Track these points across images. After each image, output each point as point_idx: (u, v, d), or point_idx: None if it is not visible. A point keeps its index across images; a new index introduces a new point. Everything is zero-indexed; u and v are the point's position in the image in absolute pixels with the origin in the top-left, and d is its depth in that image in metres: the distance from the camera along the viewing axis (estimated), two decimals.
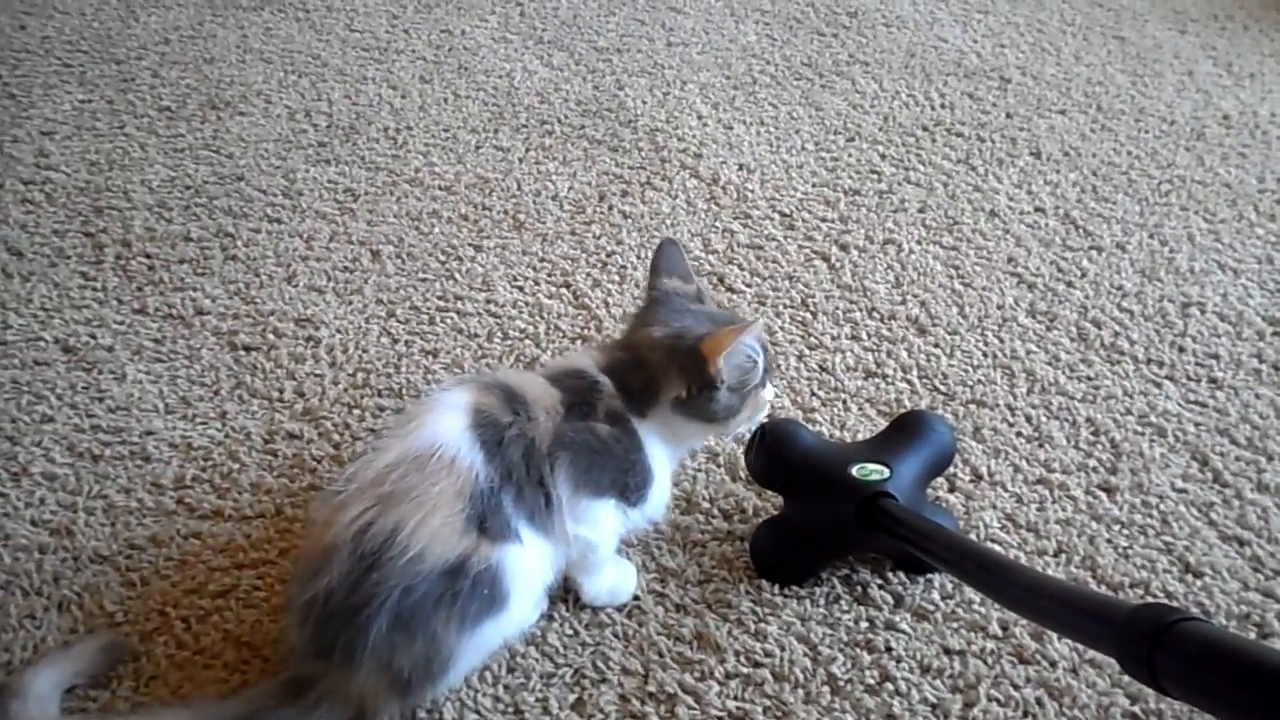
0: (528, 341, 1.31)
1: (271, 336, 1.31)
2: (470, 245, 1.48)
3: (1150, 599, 1.00)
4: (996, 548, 1.06)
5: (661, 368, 0.93)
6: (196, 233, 1.49)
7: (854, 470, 0.98)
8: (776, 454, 1.03)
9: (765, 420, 1.02)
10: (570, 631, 0.97)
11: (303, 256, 1.45)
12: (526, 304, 1.37)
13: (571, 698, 0.92)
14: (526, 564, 0.89)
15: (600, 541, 0.95)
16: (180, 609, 0.99)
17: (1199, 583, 1.02)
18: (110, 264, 1.43)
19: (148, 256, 1.45)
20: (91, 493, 1.11)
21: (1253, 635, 0.98)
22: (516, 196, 1.58)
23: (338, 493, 0.88)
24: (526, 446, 0.89)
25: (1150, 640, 0.66)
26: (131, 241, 1.47)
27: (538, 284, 1.41)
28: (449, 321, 1.34)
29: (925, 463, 1.02)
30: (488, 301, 1.38)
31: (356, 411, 1.21)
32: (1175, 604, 1.00)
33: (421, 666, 0.84)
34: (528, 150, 1.70)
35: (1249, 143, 1.77)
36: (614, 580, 1.00)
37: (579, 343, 1.31)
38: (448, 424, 0.88)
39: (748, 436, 1.06)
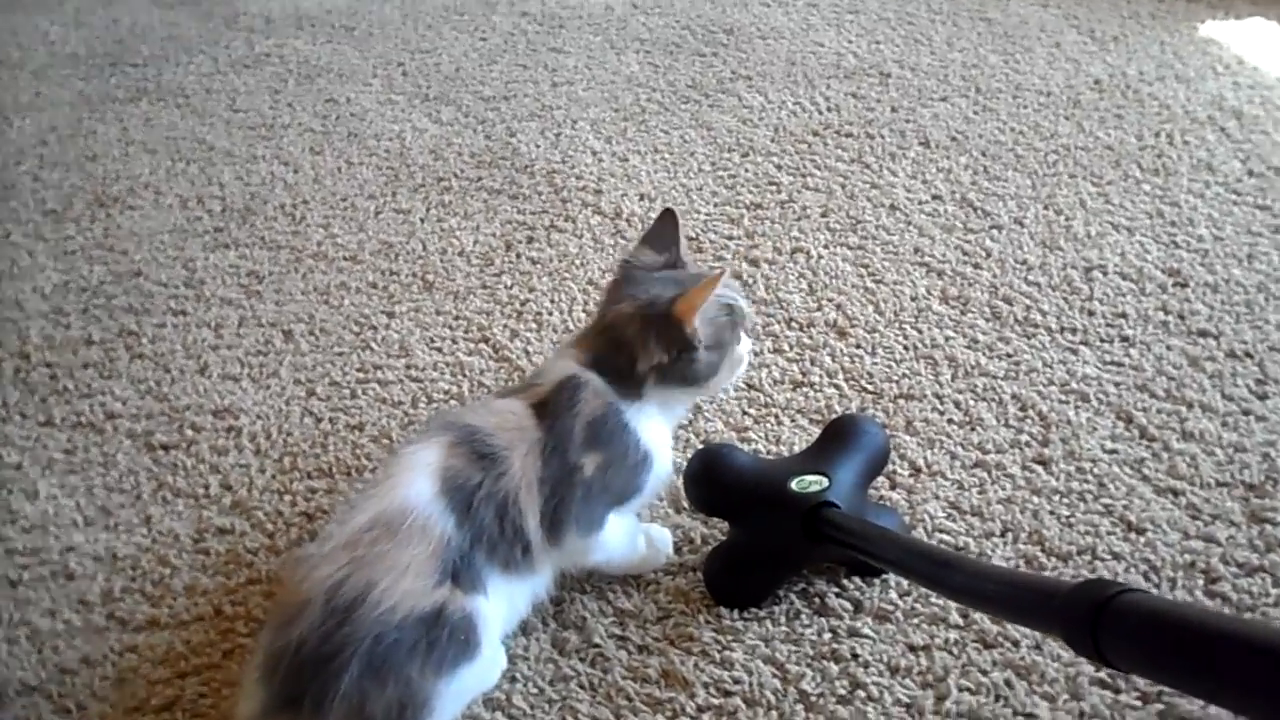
0: (453, 403, 1.29)
1: (190, 432, 1.27)
2: (382, 313, 1.46)
3: (1098, 568, 1.02)
4: (944, 538, 1.06)
5: (639, 340, 0.96)
6: (98, 335, 1.44)
7: (793, 484, 0.98)
8: (714, 480, 1.03)
9: (700, 448, 1.02)
10: (535, 690, 0.95)
11: (213, 346, 1.41)
12: (447, 364, 1.36)
13: None
14: (492, 616, 0.90)
15: (615, 552, 1.00)
16: None
17: (1142, 539, 1.04)
18: (9, 378, 1.38)
19: (49, 365, 1.40)
20: (13, 620, 1.06)
21: (1200, 582, 1.00)
22: (423, 257, 1.57)
23: (312, 554, 0.88)
24: (499, 503, 0.91)
25: (1092, 617, 0.66)
26: (29, 352, 1.42)
27: (455, 343, 1.39)
28: (371, 393, 1.32)
29: (862, 466, 1.03)
30: (408, 367, 1.36)
31: (287, 498, 1.17)
32: (1113, 578, 1.01)
33: (395, 714, 0.84)
34: (428, 209, 1.68)
35: (1123, 104, 1.84)
36: (643, 552, 1.04)
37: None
38: (418, 489, 0.89)
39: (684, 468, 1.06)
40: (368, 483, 1.11)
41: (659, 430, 1.00)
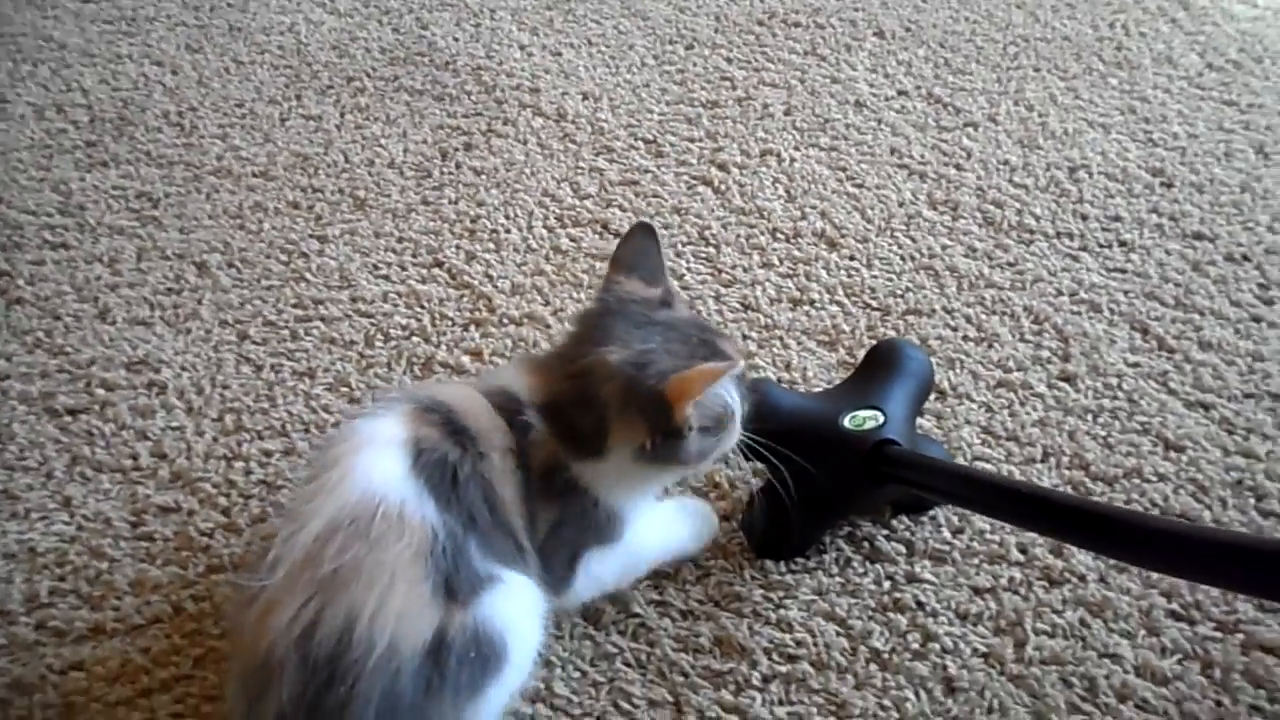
0: (415, 339, 1.13)
1: (101, 391, 1.07)
2: (313, 236, 1.26)
3: (1146, 490, 0.96)
4: (984, 466, 0.99)
5: (616, 407, 0.76)
6: None
7: (846, 421, 0.89)
8: (757, 420, 0.91)
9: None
10: (577, 673, 0.84)
11: (110, 285, 1.19)
12: (399, 294, 1.19)
13: None
14: (516, 602, 0.74)
15: (622, 577, 0.85)
16: None
17: (1184, 458, 1.00)
18: None
19: None
20: None
21: (1250, 501, 0.96)
22: (347, 170, 1.37)
23: (261, 585, 0.69)
24: (485, 489, 0.73)
25: None
26: None
27: (404, 268, 1.22)
28: (315, 332, 1.14)
29: (911, 396, 0.93)
30: (353, 300, 1.18)
31: (239, 464, 1.00)
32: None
33: None
34: (343, 115, 1.47)
35: None
36: (689, 532, 0.90)
37: (476, 331, 1.14)
38: (383, 468, 0.71)
39: None
40: (310, 468, 0.88)
41: (624, 499, 0.81)
